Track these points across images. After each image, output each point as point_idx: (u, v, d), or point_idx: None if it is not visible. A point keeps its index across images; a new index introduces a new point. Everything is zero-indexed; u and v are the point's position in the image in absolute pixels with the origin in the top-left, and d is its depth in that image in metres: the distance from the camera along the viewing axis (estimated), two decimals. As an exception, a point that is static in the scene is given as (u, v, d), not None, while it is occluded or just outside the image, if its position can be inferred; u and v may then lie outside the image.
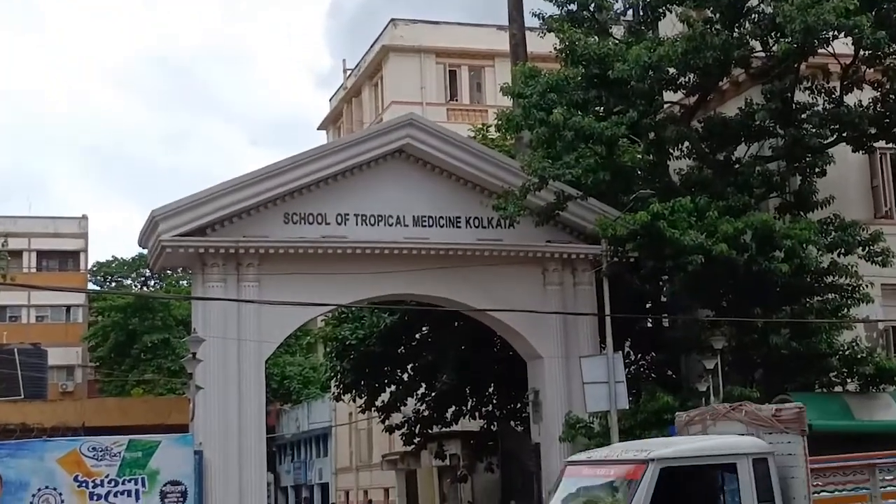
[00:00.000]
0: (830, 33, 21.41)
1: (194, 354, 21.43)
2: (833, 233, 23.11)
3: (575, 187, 23.74)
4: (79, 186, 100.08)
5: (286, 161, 23.38)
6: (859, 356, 22.60)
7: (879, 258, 22.97)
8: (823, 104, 23.84)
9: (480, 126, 33.17)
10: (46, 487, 19.75)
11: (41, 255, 64.70)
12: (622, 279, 24.12)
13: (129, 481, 20.22)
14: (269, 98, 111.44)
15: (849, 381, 22.99)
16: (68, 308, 64.47)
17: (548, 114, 22.78)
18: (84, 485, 19.94)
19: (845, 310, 22.92)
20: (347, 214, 23.97)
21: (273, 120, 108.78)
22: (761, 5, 22.81)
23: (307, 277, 23.08)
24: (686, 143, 24.45)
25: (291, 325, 24.20)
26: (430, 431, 32.89)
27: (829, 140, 23.69)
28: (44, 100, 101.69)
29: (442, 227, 24.60)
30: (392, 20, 43.63)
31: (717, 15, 23.14)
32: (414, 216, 24.43)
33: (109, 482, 20.07)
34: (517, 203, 22.94)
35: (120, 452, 20.30)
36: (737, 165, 24.18)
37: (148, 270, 57.18)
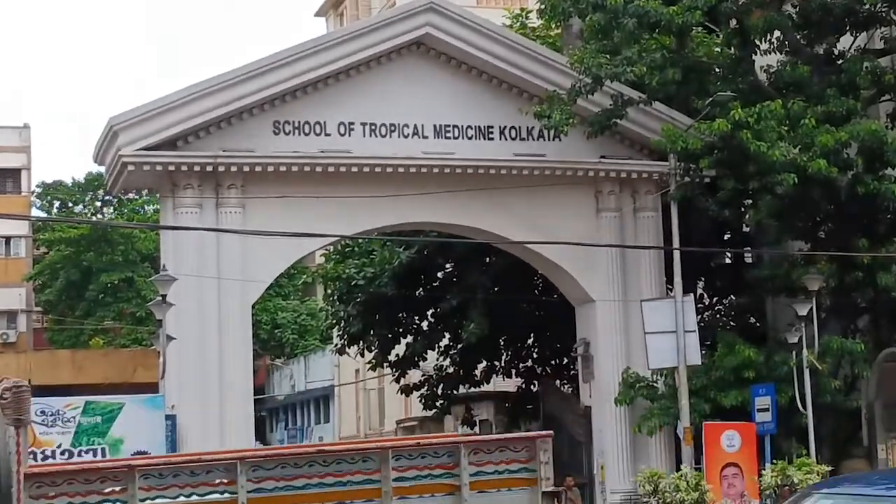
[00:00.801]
0: None
1: (164, 297, 21.58)
2: (960, 145, 23.01)
3: (637, 89, 23.69)
4: (19, 90, 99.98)
5: (276, 56, 23.37)
6: None
7: None
8: (951, -17, 23.63)
9: (519, 12, 32.75)
10: (-14, 459, 20.06)
11: (-27, 173, 65.06)
12: (695, 204, 24.18)
13: (87, 452, 20.50)
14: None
15: (976, 330, 23.04)
16: (8, 239, 64.89)
17: (604, -4, 22.70)
18: (32, 456, 20.23)
19: (974, 242, 22.91)
20: (352, 123, 24.00)
21: (258, 4, 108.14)
22: None
23: (303, 202, 23.20)
24: (776, 33, 24.31)
25: (284, 261, 24.41)
26: (455, 392, 33.14)
27: (958, 28, 23.58)
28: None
29: (470, 139, 24.60)
30: None
31: None
32: (435, 126, 24.43)
33: (62, 453, 20.36)
34: (565, 109, 22.92)
35: (75, 417, 20.56)
36: (840, 61, 24.09)
37: (106, 193, 57.44)
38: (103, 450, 20.65)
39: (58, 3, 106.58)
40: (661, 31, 23.27)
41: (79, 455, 20.47)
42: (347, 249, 32.41)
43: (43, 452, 20.26)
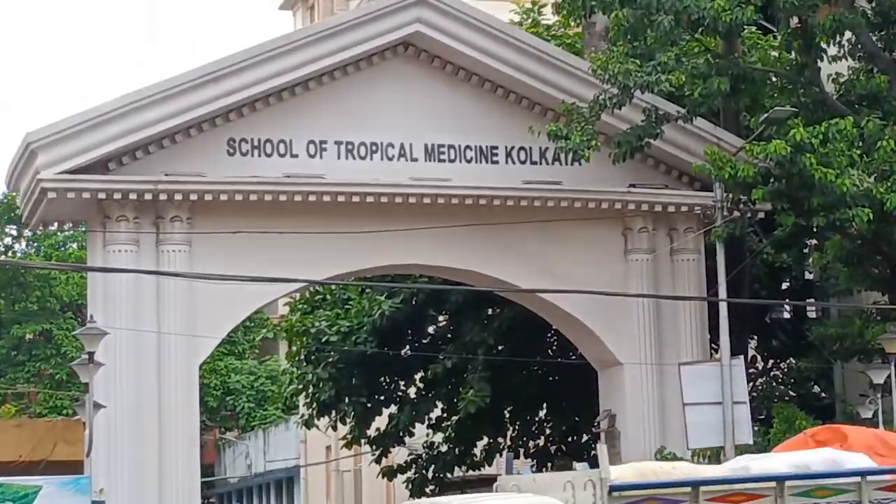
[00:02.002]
0: None
1: (91, 355, 21.56)
2: None
3: (675, 101, 23.79)
4: None
5: (231, 59, 23.48)
6: None
7: None
8: None
9: (530, 6, 32.71)
10: None
11: None
12: (746, 245, 24.25)
13: (-4, 546, 20.49)
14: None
15: None
16: None
17: (634, -13, 22.76)
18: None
19: None
20: (325, 142, 24.15)
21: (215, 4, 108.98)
22: None
23: (264, 239, 23.23)
24: (847, 35, 24.28)
25: (239, 311, 24.53)
26: (449, 476, 33.02)
27: None
28: None
29: (469, 162, 24.73)
30: None
31: None
32: (427, 146, 24.58)
33: (-35, 547, 20.37)
34: (586, 128, 22.96)
35: (-20, 503, 20.52)
36: (926, 69, 24.11)
37: (20, 226, 57.38)
38: (16, 544, 20.61)
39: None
40: (704, 30, 23.35)
41: (-14, 550, 20.48)
42: (317, 298, 32.42)
43: (-53, 546, 20.26)
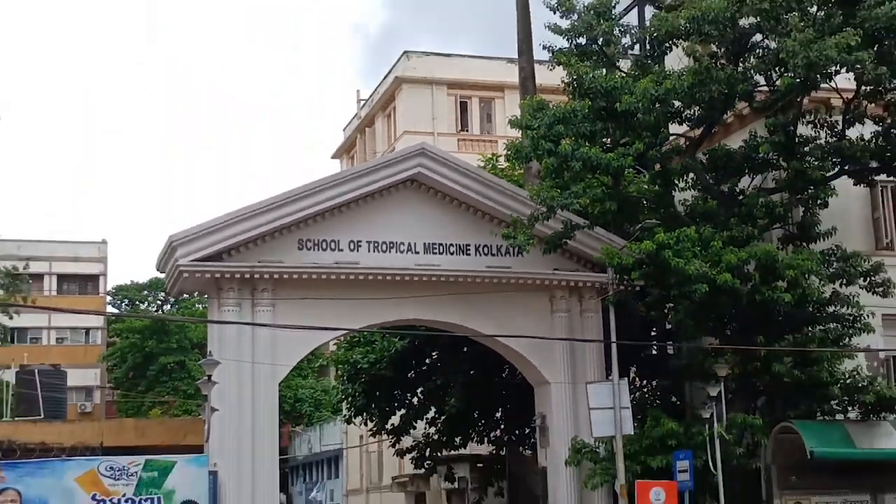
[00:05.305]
0: (833, 68, 21.47)
1: (209, 377, 21.40)
2: (835, 263, 23.07)
3: (582, 216, 23.73)
4: (98, 209, 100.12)
5: (301, 188, 23.41)
6: (860, 385, 22.56)
7: (880, 289, 23.03)
8: (826, 137, 23.78)
9: (491, 156, 33.15)
10: (65, 506, 19.80)
11: (62, 278, 65.17)
12: (628, 307, 24.03)
13: (146, 501, 20.29)
14: (285, 127, 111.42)
15: (850, 409, 22.91)
16: (87, 330, 64.82)
17: (556, 145, 22.67)
18: (102, 503, 20.03)
19: (846, 339, 22.85)
20: (360, 241, 23.98)
21: (288, 150, 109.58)
22: (765, 41, 22.86)
23: (320, 302, 23.08)
24: (691, 175, 24.40)
25: (304, 348, 24.11)
26: (439, 455, 32.68)
27: (832, 173, 23.62)
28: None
29: (452, 254, 24.54)
30: (405, 52, 43.80)
31: (722, 50, 23.17)
32: (425, 243, 24.42)
33: (126, 501, 20.17)
34: (526, 232, 22.89)
35: (137, 472, 20.36)
36: (741, 197, 24.08)
37: (165, 294, 57.29)
38: (159, 499, 20.44)
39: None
40: (601, 172, 23.25)
41: (139, 503, 20.32)
42: (355, 340, 32.11)
43: (111, 500, 20.12)
